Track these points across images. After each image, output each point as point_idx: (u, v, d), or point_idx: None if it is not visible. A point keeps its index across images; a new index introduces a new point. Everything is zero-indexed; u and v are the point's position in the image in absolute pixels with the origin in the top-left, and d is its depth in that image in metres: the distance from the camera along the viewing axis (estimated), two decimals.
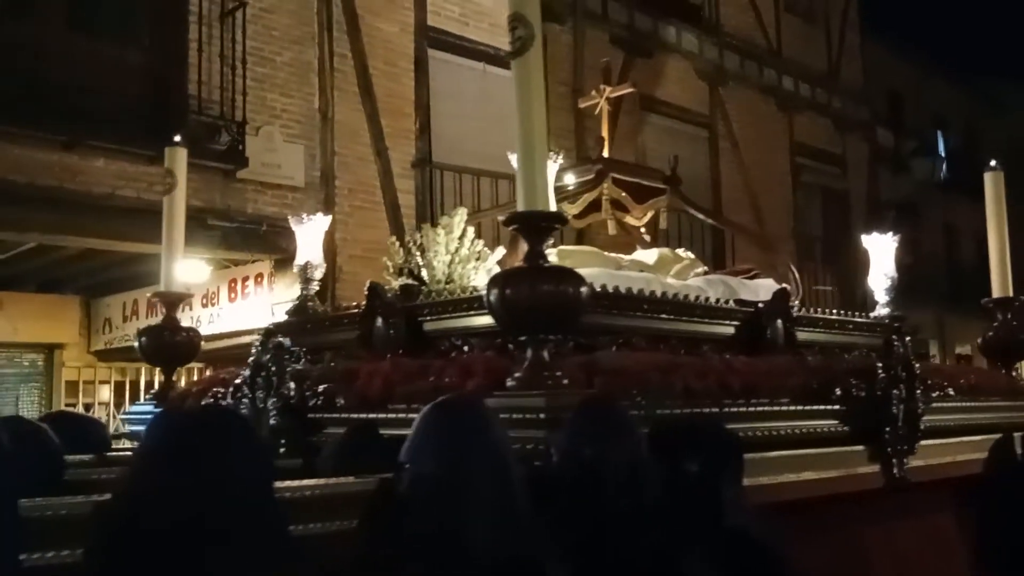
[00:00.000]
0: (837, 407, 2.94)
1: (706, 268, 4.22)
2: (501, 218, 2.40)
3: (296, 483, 1.73)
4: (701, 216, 4.80)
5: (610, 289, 3.11)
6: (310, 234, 3.66)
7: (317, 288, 3.66)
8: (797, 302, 4.04)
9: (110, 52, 8.31)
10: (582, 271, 3.33)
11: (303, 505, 1.72)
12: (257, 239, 8.59)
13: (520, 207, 2.41)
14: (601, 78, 5.22)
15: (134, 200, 7.84)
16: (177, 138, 3.45)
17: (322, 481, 1.80)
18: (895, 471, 3.06)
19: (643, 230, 4.92)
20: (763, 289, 3.78)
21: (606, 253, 3.92)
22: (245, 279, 9.17)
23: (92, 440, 2.72)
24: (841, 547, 2.94)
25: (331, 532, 1.74)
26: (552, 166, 2.95)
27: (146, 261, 9.00)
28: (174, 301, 3.46)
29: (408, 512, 1.76)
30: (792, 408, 2.83)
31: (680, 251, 4.28)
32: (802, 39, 14.89)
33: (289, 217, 3.83)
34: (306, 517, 1.72)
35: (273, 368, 2.74)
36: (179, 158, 3.43)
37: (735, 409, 2.67)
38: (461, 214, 3.29)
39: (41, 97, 7.75)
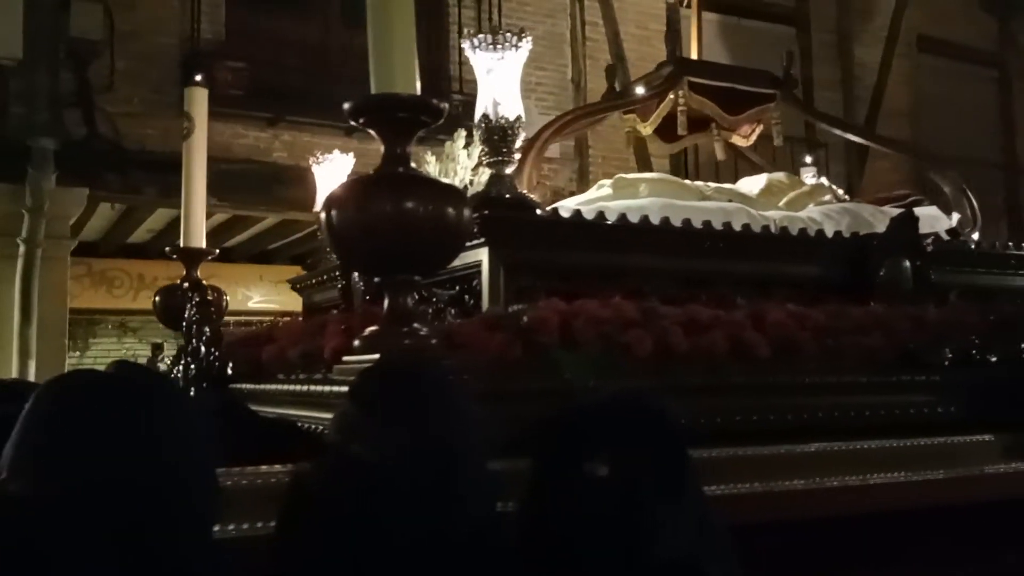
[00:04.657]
0: (938, 378, 1.74)
1: (840, 196, 2.93)
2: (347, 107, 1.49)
3: None
4: (836, 131, 3.39)
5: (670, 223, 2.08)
6: (330, 177, 2.90)
7: None
8: (976, 235, 2.70)
9: None
10: (628, 203, 2.36)
11: None
12: None
13: (372, 90, 1.50)
14: None
15: None
16: (198, 78, 2.83)
17: None
18: None
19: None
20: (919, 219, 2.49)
21: (686, 181, 2.79)
22: None
23: None
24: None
25: None
26: (516, 54, 1.97)
27: None
28: (195, 257, 2.79)
29: None
30: (854, 380, 1.69)
31: (808, 176, 3.03)
32: None
33: (308, 158, 3.12)
34: None
35: (195, 328, 2.04)
36: (199, 99, 2.78)
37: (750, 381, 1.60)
38: None
39: (325, 88, 7.88)
